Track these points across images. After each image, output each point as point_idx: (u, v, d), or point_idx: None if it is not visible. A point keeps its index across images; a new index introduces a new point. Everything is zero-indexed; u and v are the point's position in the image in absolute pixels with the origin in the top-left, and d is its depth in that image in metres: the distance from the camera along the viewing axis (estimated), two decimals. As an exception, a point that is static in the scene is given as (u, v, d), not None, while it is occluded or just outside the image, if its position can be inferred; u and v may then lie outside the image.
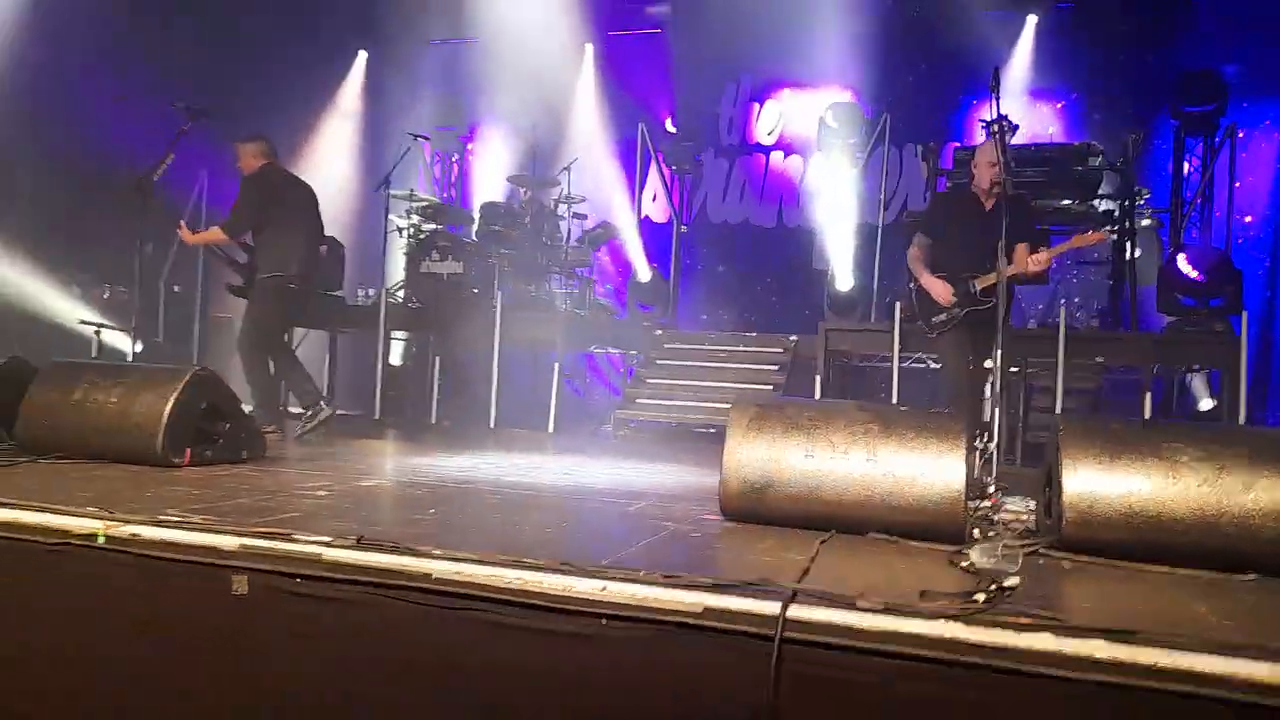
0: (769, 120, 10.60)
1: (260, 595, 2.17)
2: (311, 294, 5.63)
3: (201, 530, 2.36)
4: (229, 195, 7.27)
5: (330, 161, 9.72)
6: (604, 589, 2.01)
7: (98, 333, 5.29)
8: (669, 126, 10.22)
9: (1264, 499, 2.50)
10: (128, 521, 2.41)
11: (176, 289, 7.72)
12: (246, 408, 4.07)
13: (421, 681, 2.08)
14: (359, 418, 7.07)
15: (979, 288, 4.65)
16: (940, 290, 4.76)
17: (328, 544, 2.25)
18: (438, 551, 2.22)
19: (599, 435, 6.72)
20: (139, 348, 5.24)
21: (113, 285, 6.93)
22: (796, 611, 1.90)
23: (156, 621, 2.26)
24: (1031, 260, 4.50)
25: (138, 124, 6.94)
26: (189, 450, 3.63)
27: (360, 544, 2.26)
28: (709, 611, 1.93)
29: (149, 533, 2.35)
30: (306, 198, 5.65)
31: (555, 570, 2.11)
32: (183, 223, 5.67)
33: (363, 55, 10.51)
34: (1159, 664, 1.61)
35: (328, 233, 6.43)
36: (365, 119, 10.26)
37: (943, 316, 4.75)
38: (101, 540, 2.33)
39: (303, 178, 5.86)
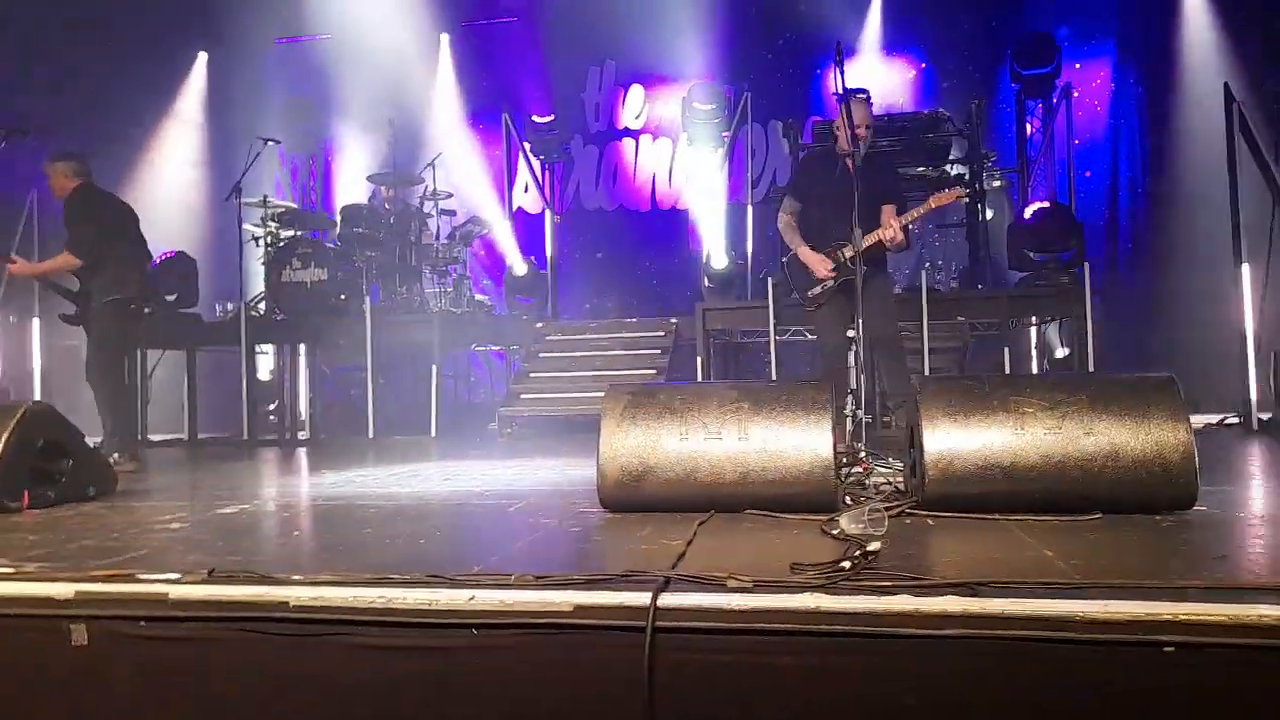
0: (635, 104, 10.61)
1: (102, 644, 2.03)
2: (145, 314, 5.35)
3: (33, 580, 2.18)
4: (58, 216, 6.80)
5: (174, 171, 9.15)
6: (472, 598, 1.96)
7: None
8: (535, 116, 10.08)
9: (1103, 441, 2.64)
10: (-52, 580, 2.21)
11: (12, 319, 7.16)
12: (92, 441, 3.80)
13: (287, 715, 1.98)
14: (227, 439, 6.73)
15: (847, 256, 4.67)
16: (817, 263, 4.77)
17: (175, 581, 2.11)
18: (296, 577, 2.11)
19: (484, 435, 6.60)
20: (-28, 387, 4.85)
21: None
22: (669, 599, 1.89)
23: (-11, 684, 2.08)
24: (889, 229, 4.59)
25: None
26: (26, 492, 3.36)
27: (211, 577, 2.13)
28: (580, 609, 1.91)
29: (-27, 589, 2.16)
30: (130, 215, 5.39)
31: (420, 584, 2.04)
32: (12, 254, 5.26)
33: (203, 57, 9.94)
34: (1004, 612, 1.67)
35: (178, 246, 6.11)
36: (210, 125, 9.70)
37: (817, 289, 4.80)
38: (-82, 604, 2.12)
39: (144, 190, 5.57)
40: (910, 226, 4.76)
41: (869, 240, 4.49)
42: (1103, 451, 2.65)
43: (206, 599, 2.04)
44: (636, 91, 10.61)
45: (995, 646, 1.67)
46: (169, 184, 8.62)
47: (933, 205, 4.75)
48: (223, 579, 2.12)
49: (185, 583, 2.11)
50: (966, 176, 7.18)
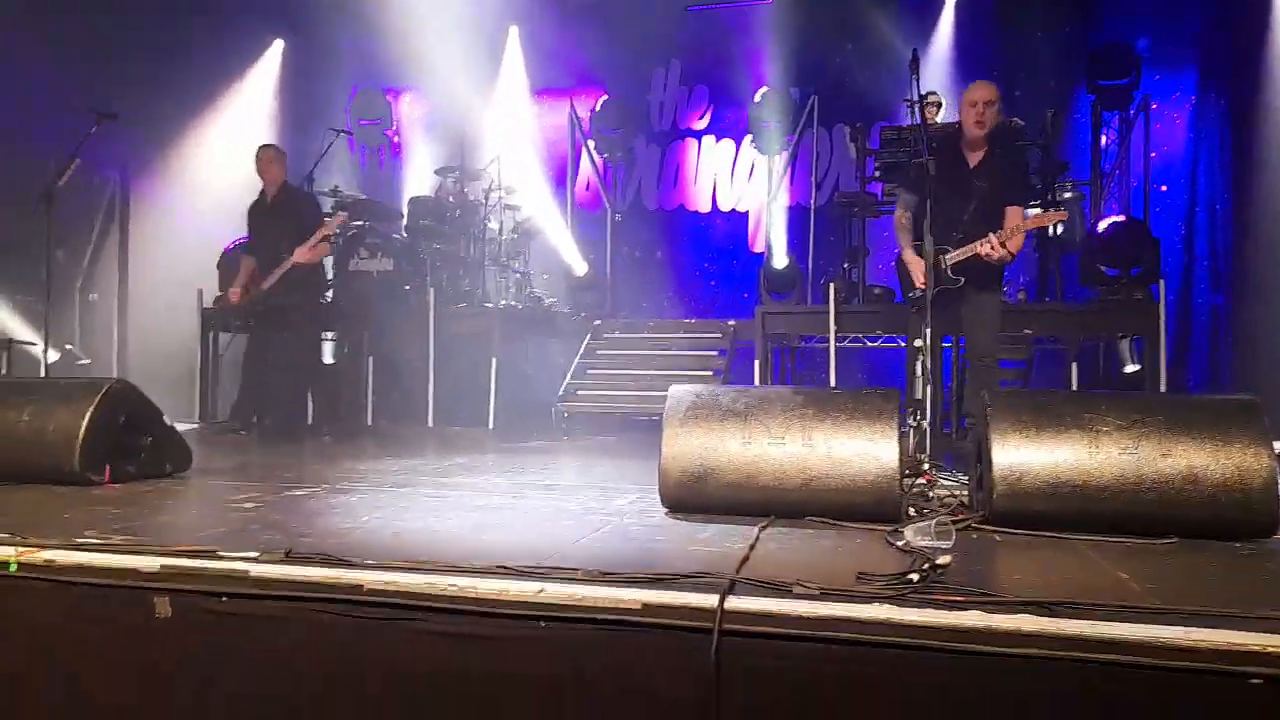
0: (699, 105, 10.60)
1: (184, 617, 2.10)
2: None
3: (120, 552, 2.27)
4: (145, 197, 7.07)
5: (249, 158, 9.35)
6: (541, 590, 1.99)
7: (7, 346, 5.05)
8: (598, 113, 10.13)
9: (1181, 464, 2.58)
10: (42, 546, 2.31)
11: (93, 298, 7.43)
12: (172, 422, 3.92)
13: (357, 695, 2.03)
14: (293, 421, 6.89)
15: (949, 263, 4.35)
16: (915, 268, 4.43)
17: (254, 559, 2.18)
18: (370, 561, 2.17)
19: (541, 429, 6.67)
20: (53, 357, 5.04)
21: (22, 295, 6.63)
22: (735, 602, 1.91)
23: (77, 649, 2.18)
24: (988, 243, 4.21)
25: (39, 124, 6.64)
26: (108, 466, 3.49)
27: (289, 558, 2.19)
28: (648, 608, 1.93)
29: (64, 557, 2.25)
30: None
31: (490, 574, 2.08)
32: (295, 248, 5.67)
33: (279, 45, 10.15)
34: (1082, 634, 1.65)
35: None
36: (283, 114, 9.90)
37: (917, 293, 4.60)
38: (13, 568, 2.23)
39: (219, 176, 5.86)
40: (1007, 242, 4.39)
41: (965, 252, 4.28)
42: (1180, 475, 2.59)
43: (284, 579, 2.10)
44: (701, 92, 10.59)
45: (1070, 669, 1.64)
46: (243, 171, 8.79)
47: (1034, 224, 4.49)
48: (300, 560, 2.18)
49: (264, 561, 2.18)
50: (1039, 187, 7.03)
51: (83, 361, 6.75)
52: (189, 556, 2.20)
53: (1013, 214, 4.32)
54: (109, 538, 2.43)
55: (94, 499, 3.18)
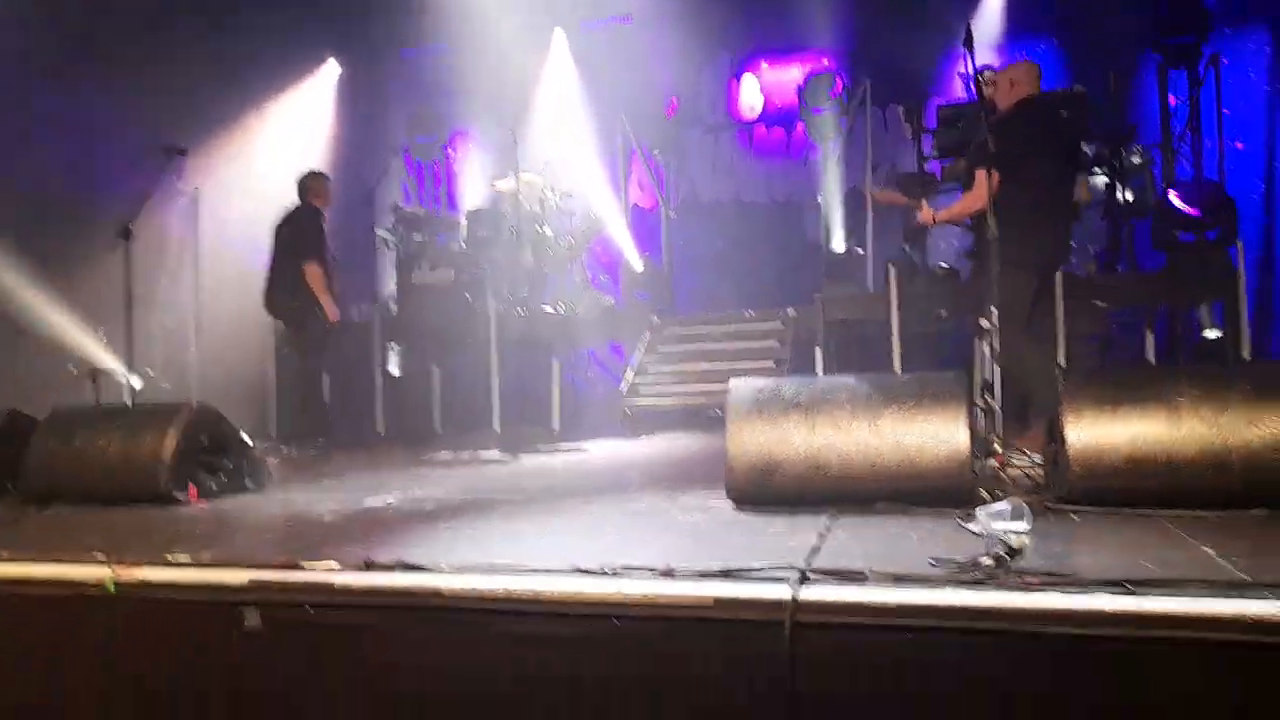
0: (750, 95, 10.51)
1: (272, 628, 2.18)
2: None
3: (210, 567, 2.37)
4: (213, 218, 7.41)
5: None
6: (615, 589, 2.01)
7: (93, 377, 5.30)
8: (650, 111, 10.13)
9: (1267, 432, 2.48)
10: (137, 565, 2.42)
11: (170, 323, 7.73)
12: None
13: (440, 698, 2.08)
14: (363, 432, 7.09)
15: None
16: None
17: (336, 570, 2.25)
18: (446, 567, 2.22)
19: (604, 428, 6.70)
20: (138, 384, 5.26)
21: (105, 325, 6.92)
22: (808, 593, 1.90)
23: (172, 662, 2.28)
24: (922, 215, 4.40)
25: (110, 156, 6.91)
26: (193, 485, 3.63)
27: (369, 566, 2.26)
28: (720, 603, 1.94)
29: (158, 574, 2.36)
30: None
31: (565, 573, 2.11)
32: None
33: (334, 66, 10.38)
34: (1165, 611, 1.60)
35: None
36: (340, 131, 10.12)
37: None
38: (111, 588, 2.34)
39: (279, 196, 6.19)
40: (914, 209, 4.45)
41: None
42: (1268, 444, 2.49)
43: (366, 587, 2.17)
44: (751, 82, 10.51)
45: (1155, 646, 1.60)
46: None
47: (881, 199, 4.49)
48: (380, 568, 2.24)
49: (346, 571, 2.24)
50: (1105, 153, 6.79)
51: (164, 386, 7.01)
52: (274, 569, 2.28)
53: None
54: (199, 555, 2.53)
55: (181, 518, 3.31)
